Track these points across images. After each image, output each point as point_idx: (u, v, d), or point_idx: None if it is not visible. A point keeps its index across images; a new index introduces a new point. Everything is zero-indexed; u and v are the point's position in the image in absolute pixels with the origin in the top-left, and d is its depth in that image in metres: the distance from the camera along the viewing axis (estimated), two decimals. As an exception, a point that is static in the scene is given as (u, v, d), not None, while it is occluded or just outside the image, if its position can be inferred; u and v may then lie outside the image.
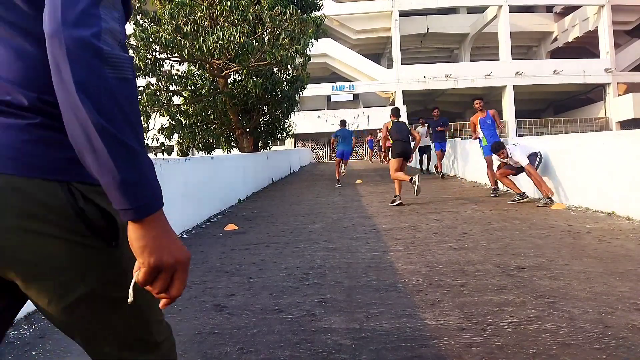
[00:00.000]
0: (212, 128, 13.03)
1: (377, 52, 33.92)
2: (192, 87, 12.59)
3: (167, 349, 0.92)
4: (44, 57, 0.68)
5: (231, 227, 5.48)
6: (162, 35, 9.66)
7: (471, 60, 31.47)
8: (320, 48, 21.70)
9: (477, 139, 7.53)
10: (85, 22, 0.65)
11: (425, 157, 12.37)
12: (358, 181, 11.27)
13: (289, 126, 15.12)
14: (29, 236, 0.71)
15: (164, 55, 10.86)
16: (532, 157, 6.00)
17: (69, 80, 0.63)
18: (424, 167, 12.80)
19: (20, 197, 0.71)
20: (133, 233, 0.69)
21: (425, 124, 11.72)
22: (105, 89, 0.65)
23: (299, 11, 10.55)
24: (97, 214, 0.75)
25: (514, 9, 28.64)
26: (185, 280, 0.74)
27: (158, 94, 11.28)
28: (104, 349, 0.81)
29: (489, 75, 27.63)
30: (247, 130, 13.00)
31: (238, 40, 9.54)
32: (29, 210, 0.71)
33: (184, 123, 12.43)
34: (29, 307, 2.70)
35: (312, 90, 20.43)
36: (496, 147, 6.25)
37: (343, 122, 11.36)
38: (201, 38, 9.77)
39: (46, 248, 0.72)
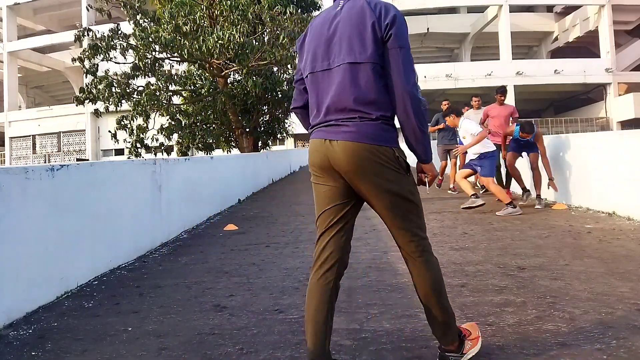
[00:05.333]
0: (211, 128, 13.01)
1: (377, 51, 33.83)
2: (192, 87, 12.58)
3: (428, 243, 1.76)
4: (387, 93, 1.61)
5: (231, 227, 5.47)
6: (161, 35, 9.66)
7: (471, 60, 31.45)
8: (320, 48, 21.61)
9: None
10: (416, 87, 1.58)
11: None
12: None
13: (288, 126, 15.11)
14: (379, 166, 1.57)
15: (163, 55, 10.86)
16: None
17: (410, 109, 1.57)
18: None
19: (374, 152, 1.57)
20: (424, 166, 1.77)
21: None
22: (421, 112, 1.59)
23: (299, 11, 10.56)
24: (403, 160, 1.62)
25: (514, 9, 28.61)
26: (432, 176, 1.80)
27: (158, 93, 11.27)
28: (404, 224, 1.66)
29: (489, 75, 27.61)
30: (247, 130, 12.99)
31: (238, 39, 9.53)
32: (378, 157, 1.57)
33: (183, 123, 12.42)
34: (29, 307, 2.70)
35: (312, 90, 20.34)
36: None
37: None
38: (201, 38, 9.75)
39: (385, 170, 1.59)
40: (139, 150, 11.59)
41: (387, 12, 1.58)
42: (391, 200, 1.60)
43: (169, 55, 10.80)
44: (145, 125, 11.49)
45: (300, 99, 1.82)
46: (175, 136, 12.55)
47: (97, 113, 11.32)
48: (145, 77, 11.22)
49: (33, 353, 2.16)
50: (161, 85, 11.47)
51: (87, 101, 10.85)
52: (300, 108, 1.83)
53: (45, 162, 29.77)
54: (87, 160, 27.19)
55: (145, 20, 10.61)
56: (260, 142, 14.05)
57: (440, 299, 1.68)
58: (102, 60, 10.56)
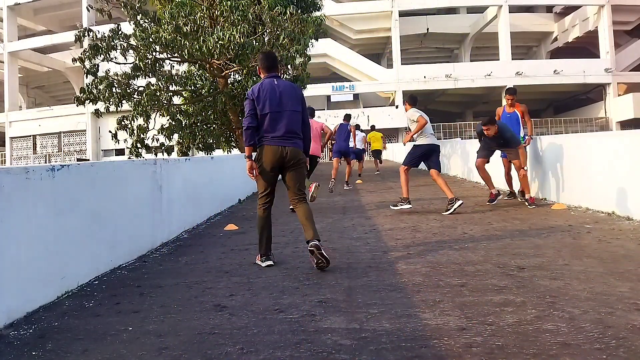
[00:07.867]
0: (212, 128, 13.02)
1: (377, 52, 33.90)
2: (192, 87, 12.58)
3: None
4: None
5: (231, 227, 5.48)
6: (162, 35, 9.66)
7: (471, 60, 31.46)
8: (320, 48, 21.66)
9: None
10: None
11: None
12: (358, 181, 11.27)
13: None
14: (300, 157, 3.59)
15: (164, 55, 10.86)
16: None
17: (308, 134, 3.78)
18: None
19: (301, 153, 3.59)
20: (307, 160, 3.80)
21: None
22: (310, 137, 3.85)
23: (299, 11, 10.55)
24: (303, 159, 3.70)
25: (514, 9, 28.63)
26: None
27: (158, 94, 11.28)
28: (300, 185, 3.61)
29: (489, 75, 27.63)
30: (247, 130, 12.98)
31: (238, 40, 9.54)
32: (301, 155, 3.60)
33: (184, 123, 12.43)
34: (29, 307, 2.71)
35: (312, 90, 20.38)
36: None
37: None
38: (201, 38, 9.76)
39: (301, 161, 3.61)
40: (140, 150, 11.59)
41: (302, 93, 3.68)
42: (299, 174, 3.57)
43: (169, 56, 10.80)
44: (145, 125, 11.49)
45: (255, 124, 3.45)
46: (175, 136, 12.56)
47: (97, 113, 11.32)
48: (145, 78, 11.23)
49: (34, 353, 2.16)
50: (162, 86, 11.48)
51: (87, 101, 10.85)
52: (254, 128, 3.46)
53: (45, 162, 29.77)
54: (88, 160, 27.19)
55: (146, 20, 10.62)
56: (260, 143, 14.05)
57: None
58: (103, 60, 10.57)
